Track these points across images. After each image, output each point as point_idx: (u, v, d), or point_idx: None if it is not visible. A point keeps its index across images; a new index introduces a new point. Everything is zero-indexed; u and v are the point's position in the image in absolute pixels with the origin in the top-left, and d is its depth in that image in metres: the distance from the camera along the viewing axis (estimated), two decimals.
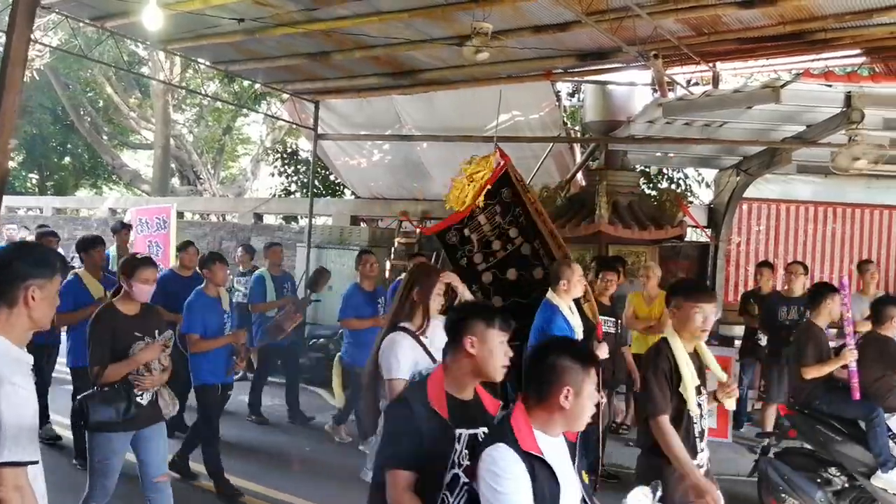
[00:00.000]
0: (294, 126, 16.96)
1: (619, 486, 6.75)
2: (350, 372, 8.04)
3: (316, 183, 16.98)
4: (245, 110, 25.17)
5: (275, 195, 21.17)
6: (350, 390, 8.13)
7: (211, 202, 22.85)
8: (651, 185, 15.86)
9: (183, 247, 8.82)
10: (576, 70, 10.71)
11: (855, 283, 10.01)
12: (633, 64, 9.82)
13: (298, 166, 21.28)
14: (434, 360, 4.22)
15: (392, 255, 13.78)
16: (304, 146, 21.94)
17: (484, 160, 6.81)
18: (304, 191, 19.42)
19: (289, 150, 22.67)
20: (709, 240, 11.06)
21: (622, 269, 8.57)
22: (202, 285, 6.85)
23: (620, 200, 10.28)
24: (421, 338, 4.30)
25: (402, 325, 4.32)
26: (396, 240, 14.05)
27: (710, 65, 10.17)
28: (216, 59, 11.80)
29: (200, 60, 12.82)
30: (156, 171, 25.14)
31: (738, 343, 9.39)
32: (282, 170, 21.43)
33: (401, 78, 11.37)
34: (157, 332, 5.08)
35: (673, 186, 15.67)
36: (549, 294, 6.17)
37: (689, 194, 15.80)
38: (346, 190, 18.40)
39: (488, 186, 6.98)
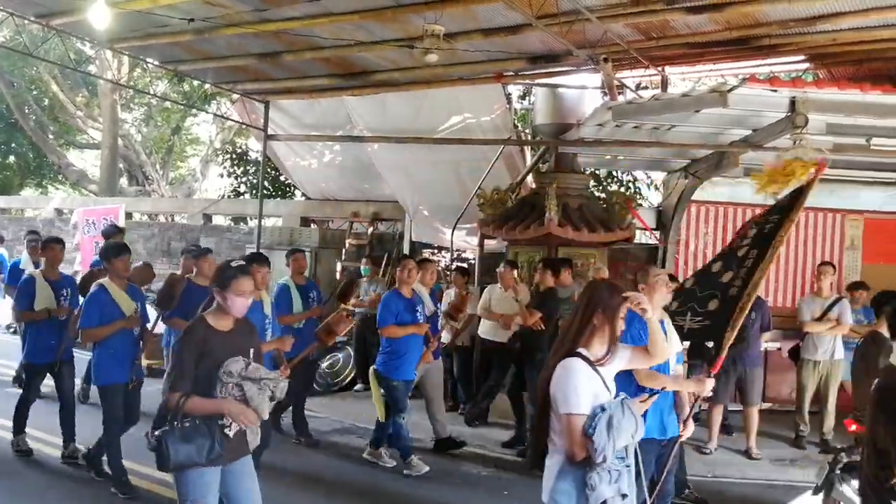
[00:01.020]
0: (244, 126, 16.82)
1: None
2: (386, 385, 7.50)
3: (266, 184, 16.87)
4: (194, 110, 24.94)
5: (224, 196, 20.97)
6: (389, 405, 7.55)
7: (159, 203, 22.61)
8: (600, 188, 15.96)
9: (201, 254, 7.62)
10: (526, 73, 10.76)
11: (810, 285, 10.20)
12: (583, 67, 9.90)
13: (248, 167, 21.09)
14: (611, 394, 3.71)
15: (343, 257, 13.73)
16: (254, 147, 21.79)
17: (811, 162, 6.11)
18: (254, 192, 19.26)
19: (238, 151, 22.46)
20: (657, 242, 11.18)
21: (570, 269, 8.71)
22: None
23: (570, 203, 10.34)
24: (599, 367, 3.69)
25: (579, 350, 3.71)
26: (347, 241, 14.01)
27: (659, 69, 10.28)
28: (165, 59, 11.66)
29: (149, 60, 12.67)
30: (103, 171, 24.72)
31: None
32: (231, 170, 21.21)
33: (351, 79, 11.33)
34: (251, 350, 4.43)
35: (622, 189, 15.80)
36: None
37: (638, 197, 15.95)
38: (296, 191, 18.29)
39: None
